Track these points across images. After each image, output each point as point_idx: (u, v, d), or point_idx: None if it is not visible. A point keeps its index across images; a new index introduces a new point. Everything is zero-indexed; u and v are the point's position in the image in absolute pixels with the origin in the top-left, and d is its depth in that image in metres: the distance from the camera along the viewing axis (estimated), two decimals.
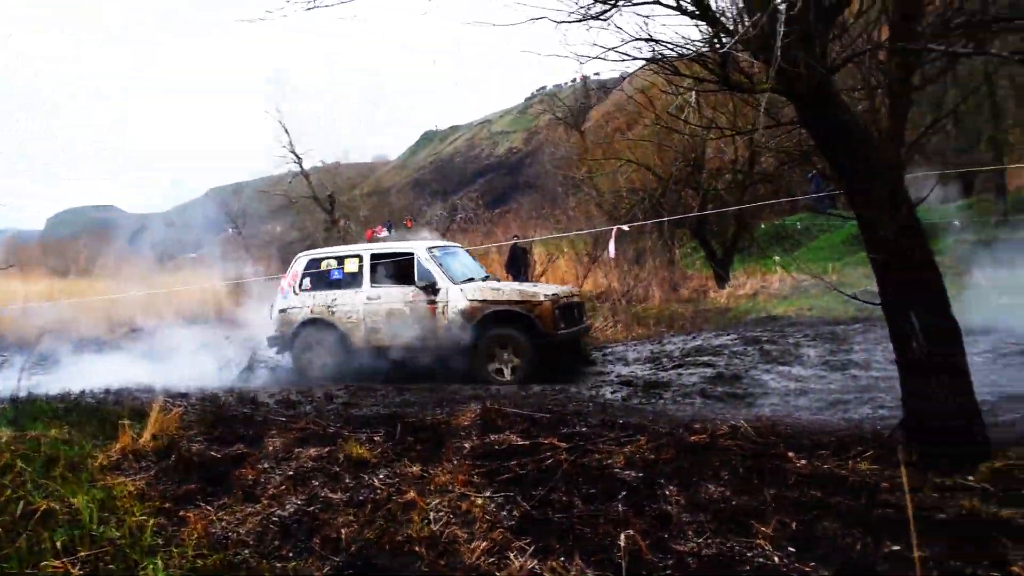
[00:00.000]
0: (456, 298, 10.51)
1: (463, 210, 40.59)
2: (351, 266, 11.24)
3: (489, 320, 10.27)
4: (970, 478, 4.56)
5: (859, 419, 6.96)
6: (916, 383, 4.88)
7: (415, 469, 5.47)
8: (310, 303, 11.30)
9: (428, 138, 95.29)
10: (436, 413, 7.42)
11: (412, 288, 10.73)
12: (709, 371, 9.75)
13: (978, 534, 3.88)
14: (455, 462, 5.55)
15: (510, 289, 10.60)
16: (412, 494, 4.88)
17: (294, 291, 11.48)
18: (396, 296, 10.84)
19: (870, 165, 4.79)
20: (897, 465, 4.82)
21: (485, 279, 11.52)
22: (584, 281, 19.61)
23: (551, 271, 20.57)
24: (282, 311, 11.49)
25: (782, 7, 4.36)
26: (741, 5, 4.98)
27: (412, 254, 10.97)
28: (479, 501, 4.73)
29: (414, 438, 6.27)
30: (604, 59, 5.39)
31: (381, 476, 5.41)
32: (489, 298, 10.38)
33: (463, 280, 10.88)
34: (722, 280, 18.73)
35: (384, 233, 43.46)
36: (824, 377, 9.04)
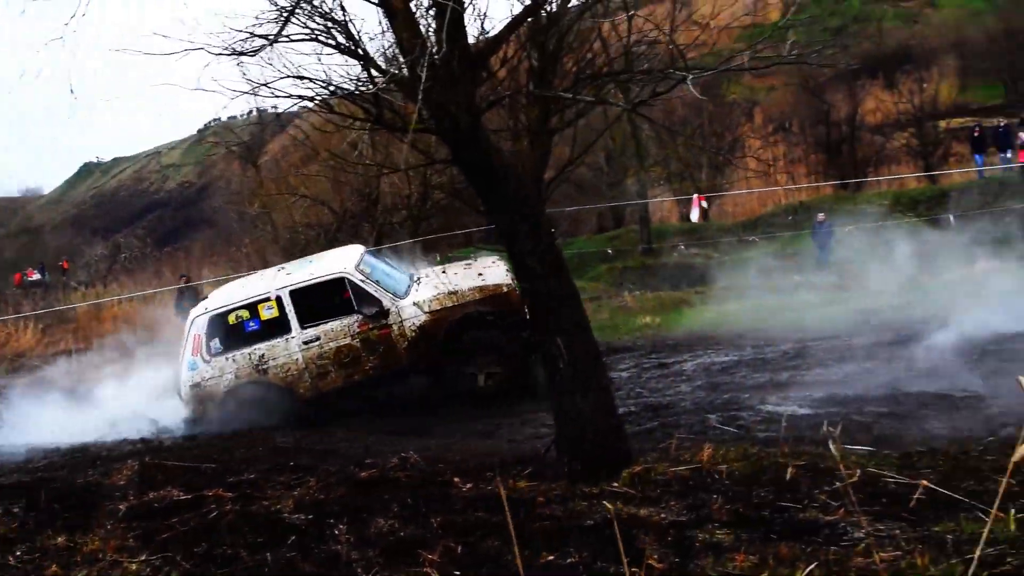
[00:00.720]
0: (411, 314, 9.28)
1: (128, 249, 37.78)
2: (268, 312, 9.37)
3: (455, 330, 9.19)
4: (615, 484, 5.01)
5: (521, 439, 7.40)
6: (565, 402, 5.28)
7: (60, 540, 5.01)
8: (231, 368, 9.35)
9: (88, 170, 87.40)
10: (88, 474, 6.79)
11: (356, 317, 9.28)
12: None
13: (621, 534, 4.26)
14: (108, 527, 5.15)
15: (468, 287, 9.41)
16: (54, 569, 4.41)
17: (203, 359, 9.40)
18: (338, 331, 9.30)
19: (513, 201, 5.14)
20: (552, 480, 5.19)
21: (417, 280, 10.18)
22: None
23: None
24: (195, 386, 9.39)
25: (433, 50, 4.57)
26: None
27: (342, 278, 9.37)
28: (133, 567, 4.40)
29: (61, 505, 5.76)
30: (256, 95, 5.33)
31: (18, 553, 4.88)
32: (449, 304, 9.28)
33: (406, 291, 9.68)
34: None
35: (36, 276, 39.08)
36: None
